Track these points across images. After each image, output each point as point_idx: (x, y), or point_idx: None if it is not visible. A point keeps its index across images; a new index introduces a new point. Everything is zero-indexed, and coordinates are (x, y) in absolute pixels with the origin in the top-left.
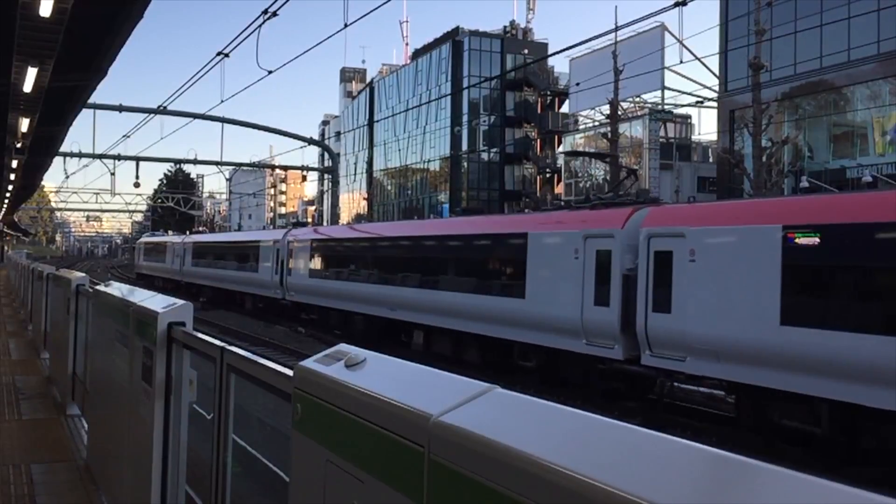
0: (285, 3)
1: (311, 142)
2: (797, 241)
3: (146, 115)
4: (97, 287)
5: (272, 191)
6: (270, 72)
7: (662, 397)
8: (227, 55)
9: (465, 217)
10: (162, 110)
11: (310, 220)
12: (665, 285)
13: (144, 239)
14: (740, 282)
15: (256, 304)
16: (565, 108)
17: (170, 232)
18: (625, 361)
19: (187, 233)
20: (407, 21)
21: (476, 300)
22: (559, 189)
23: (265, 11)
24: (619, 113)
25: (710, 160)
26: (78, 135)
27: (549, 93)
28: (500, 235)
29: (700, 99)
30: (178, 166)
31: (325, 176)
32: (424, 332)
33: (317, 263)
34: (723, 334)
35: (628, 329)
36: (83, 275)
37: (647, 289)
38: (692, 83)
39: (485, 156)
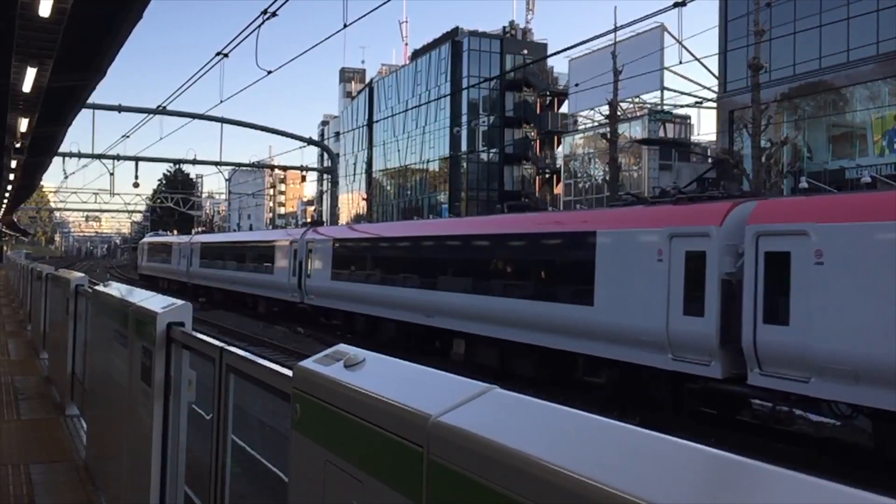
0: (285, 3)
1: (310, 142)
2: None
3: (145, 115)
4: (96, 287)
5: (271, 191)
6: (270, 72)
7: (754, 418)
8: (226, 55)
9: (517, 214)
10: (161, 110)
11: (309, 220)
12: (780, 293)
13: (148, 239)
14: (893, 288)
15: (271, 308)
16: (564, 109)
17: (174, 231)
18: (724, 380)
19: (193, 232)
20: (406, 21)
21: (531, 307)
22: (558, 190)
23: (264, 11)
24: (619, 113)
25: (710, 161)
26: (77, 135)
27: (548, 93)
28: (562, 234)
29: (699, 99)
30: (177, 166)
31: (325, 176)
32: (466, 342)
33: (341, 265)
34: (867, 352)
35: (729, 343)
36: (82, 275)
37: (756, 297)
38: (691, 84)
39: (484, 156)
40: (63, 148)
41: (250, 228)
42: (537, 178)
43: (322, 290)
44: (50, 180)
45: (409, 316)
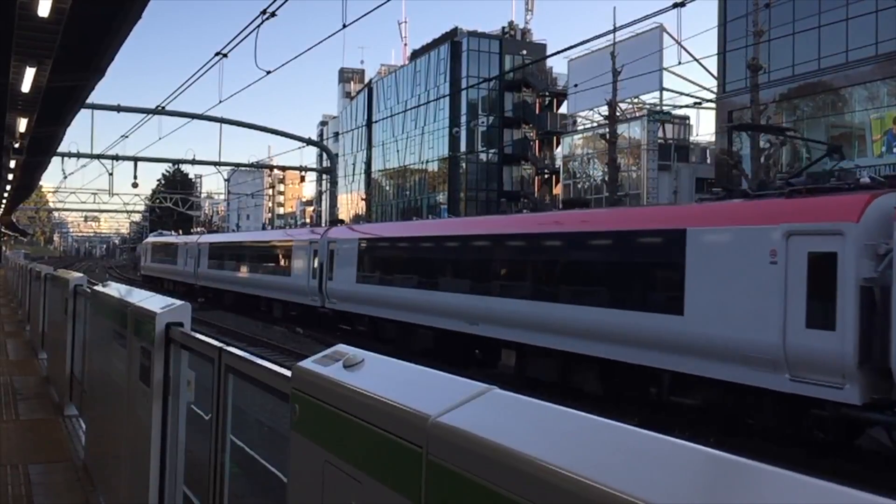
0: (284, 3)
1: (309, 142)
2: None
3: (144, 115)
4: (95, 287)
5: (270, 191)
6: (269, 72)
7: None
8: (225, 55)
9: (579, 211)
10: (160, 110)
11: (308, 220)
12: None
13: (151, 239)
14: None
15: (288, 313)
16: (564, 109)
17: (179, 231)
18: (863, 407)
19: (201, 232)
20: (406, 22)
21: (603, 315)
22: (557, 190)
23: (264, 12)
24: (618, 114)
25: (709, 161)
26: (76, 135)
27: (547, 94)
28: (643, 233)
29: (698, 100)
30: (176, 166)
31: (324, 176)
32: (517, 353)
33: (368, 266)
34: None
35: (869, 362)
36: (81, 275)
37: None
38: (690, 84)
39: (483, 156)
40: (62, 148)
41: (248, 228)
42: (536, 178)
43: (346, 293)
44: (49, 180)
45: (449, 323)
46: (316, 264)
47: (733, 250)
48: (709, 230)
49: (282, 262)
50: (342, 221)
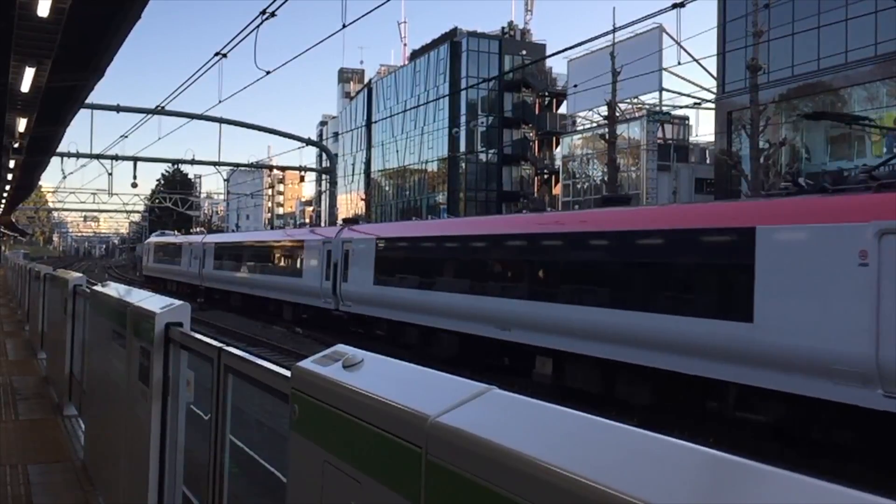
0: (283, 3)
1: (308, 142)
2: None
3: (144, 115)
4: (94, 287)
5: (270, 191)
6: (268, 72)
7: None
8: (225, 55)
9: (623, 209)
10: (160, 110)
11: (307, 220)
12: None
13: (154, 239)
14: None
15: (298, 315)
16: (563, 110)
17: (182, 231)
18: None
19: (198, 231)
20: (405, 22)
21: (656, 322)
22: (557, 190)
23: (263, 12)
24: (617, 114)
25: (708, 162)
26: (75, 135)
27: (547, 94)
28: (703, 232)
29: (698, 100)
30: (175, 166)
31: (323, 177)
32: (554, 360)
33: (386, 267)
34: None
35: None
36: (80, 275)
37: None
38: (690, 84)
39: (483, 157)
40: (61, 148)
41: (248, 229)
42: (536, 178)
43: (362, 296)
44: (48, 180)
45: (477, 328)
46: (330, 265)
47: (814, 251)
48: (783, 228)
49: (292, 263)
50: (357, 220)
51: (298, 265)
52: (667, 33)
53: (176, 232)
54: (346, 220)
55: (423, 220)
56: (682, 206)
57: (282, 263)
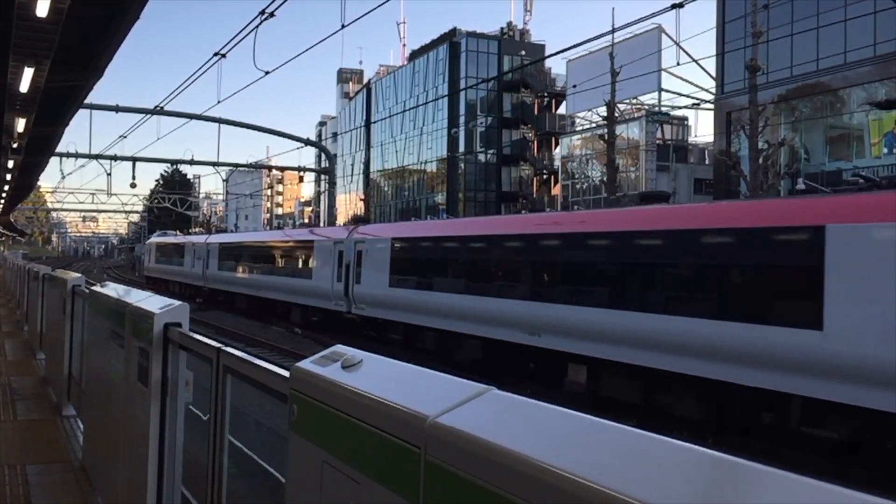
0: (282, 3)
1: (307, 143)
2: None
3: (143, 115)
4: (93, 287)
5: (269, 192)
6: (267, 72)
7: None
8: (224, 56)
9: (657, 206)
10: (159, 111)
11: (307, 220)
12: None
13: (155, 239)
14: None
15: (308, 318)
16: (562, 110)
17: (185, 231)
18: None
19: (197, 231)
20: (404, 22)
21: (706, 328)
22: (556, 191)
23: (262, 12)
24: (616, 115)
25: (707, 162)
26: (74, 135)
27: (546, 94)
28: (761, 231)
29: (697, 101)
30: (174, 167)
31: (322, 177)
32: (589, 368)
33: (403, 269)
34: None
35: None
36: (79, 275)
37: None
38: (689, 85)
39: (482, 157)
40: (60, 148)
41: (247, 229)
42: (535, 179)
43: (377, 298)
44: (47, 180)
45: (503, 333)
46: (341, 266)
47: (891, 251)
48: (858, 227)
49: (301, 264)
50: (367, 220)
51: (308, 266)
52: (666, 34)
53: (177, 232)
54: (356, 220)
55: (442, 220)
56: (734, 203)
57: (290, 264)
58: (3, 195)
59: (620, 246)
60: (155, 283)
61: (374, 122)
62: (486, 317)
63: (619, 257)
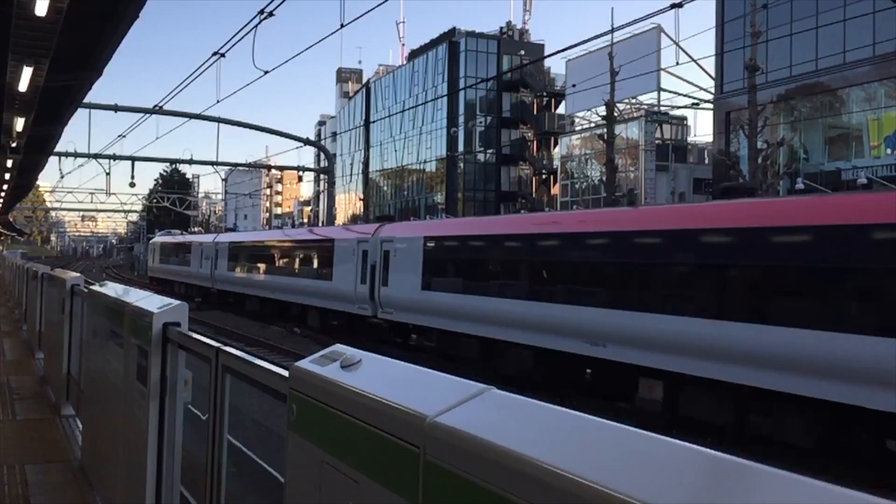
0: (282, 3)
1: (307, 142)
2: None
3: (142, 114)
4: (92, 287)
5: (268, 191)
6: (267, 72)
7: None
8: (223, 55)
9: (742, 200)
10: (158, 110)
11: (306, 220)
12: None
13: (160, 238)
14: None
15: (328, 322)
16: (561, 110)
17: (194, 230)
18: None
19: (196, 231)
20: (403, 22)
21: (819, 341)
22: (555, 190)
23: (261, 11)
24: (616, 114)
25: (706, 162)
26: (73, 134)
27: (545, 94)
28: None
29: (696, 101)
30: (173, 166)
31: (322, 176)
32: (666, 384)
33: (437, 270)
34: None
35: None
36: (78, 275)
37: None
38: (688, 85)
39: (481, 157)
40: (59, 147)
41: (246, 229)
42: (534, 178)
43: (407, 302)
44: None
45: (559, 342)
46: (366, 267)
47: None
48: None
49: (320, 264)
50: (392, 217)
51: (328, 267)
52: (665, 34)
53: (183, 231)
54: (381, 218)
55: (486, 217)
56: (843, 195)
57: (307, 265)
58: (2, 194)
59: (702, 247)
60: (159, 284)
61: (374, 122)
62: (537, 324)
63: (710, 258)
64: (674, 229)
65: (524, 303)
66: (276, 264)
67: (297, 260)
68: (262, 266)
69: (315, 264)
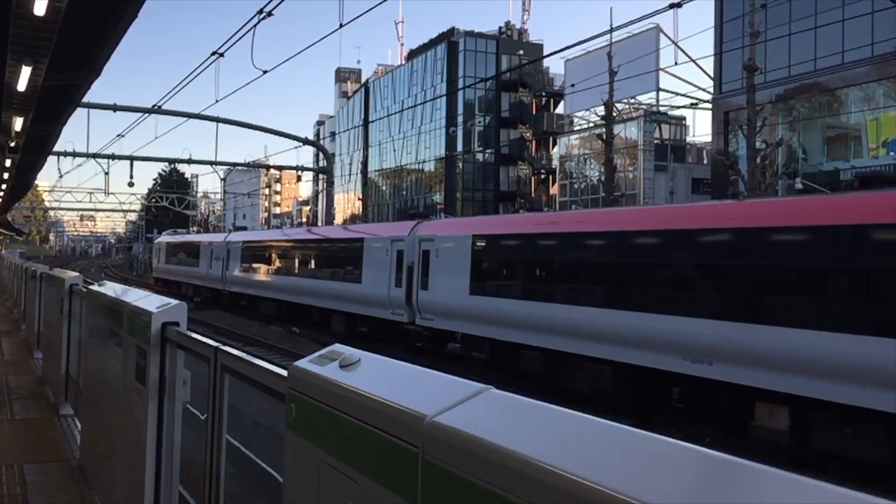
0: (280, 2)
1: (305, 142)
2: None
3: (141, 114)
4: (91, 286)
5: (267, 191)
6: (265, 71)
7: None
8: (221, 55)
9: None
10: (156, 110)
11: (304, 220)
12: None
13: (166, 238)
14: None
15: (355, 328)
16: (560, 110)
17: (193, 230)
18: None
19: (195, 230)
20: (402, 21)
21: None
22: (554, 190)
23: (260, 11)
24: (614, 114)
25: (705, 162)
26: (72, 134)
27: (544, 94)
28: None
29: (695, 101)
30: (172, 166)
31: (320, 176)
32: (792, 411)
33: (490, 272)
34: None
35: None
36: (77, 274)
37: None
38: (687, 85)
39: (480, 157)
40: (58, 147)
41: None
42: (533, 178)
43: (452, 308)
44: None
45: (649, 358)
46: (401, 269)
47: None
48: None
49: (348, 266)
50: (427, 215)
51: (356, 268)
52: (664, 33)
53: (187, 230)
54: (414, 216)
55: (551, 213)
56: None
57: (332, 266)
58: (1, 194)
59: (851, 246)
60: (165, 285)
61: (373, 122)
62: (620, 336)
63: (853, 261)
64: (828, 225)
65: (599, 311)
66: (296, 265)
67: (321, 260)
68: (279, 267)
69: (341, 265)
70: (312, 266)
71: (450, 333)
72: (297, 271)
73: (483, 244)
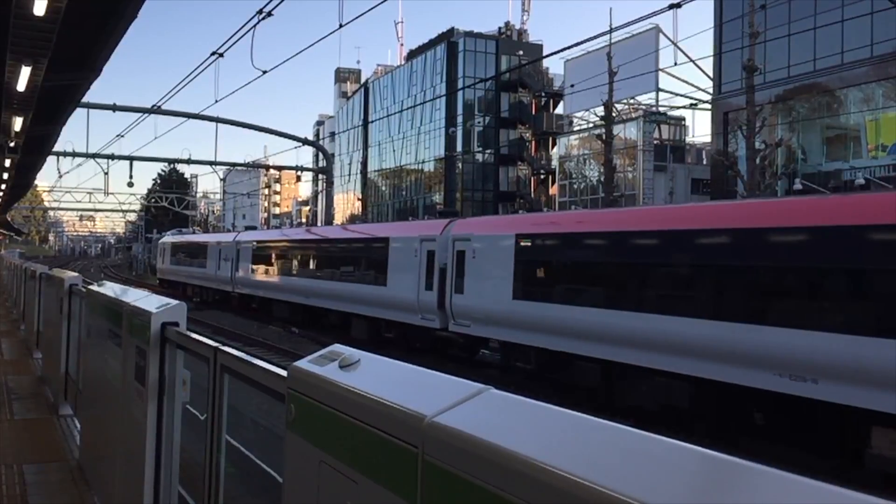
0: (280, 2)
1: (305, 142)
2: None
3: (140, 114)
4: (90, 286)
5: (266, 191)
6: (265, 72)
7: None
8: (221, 55)
9: None
10: (156, 110)
11: (304, 220)
12: None
13: (171, 238)
14: None
15: (377, 333)
16: (560, 110)
17: (193, 230)
18: None
19: (194, 230)
20: (402, 22)
21: None
22: (554, 190)
23: (260, 11)
24: (614, 115)
25: (704, 162)
26: (72, 134)
27: (543, 94)
28: None
29: (694, 101)
30: (171, 166)
31: (320, 176)
32: None
33: (538, 275)
34: None
35: None
36: (76, 274)
37: None
38: (686, 85)
39: (479, 157)
40: (57, 147)
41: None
42: (532, 178)
43: (493, 313)
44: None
45: (736, 374)
46: (432, 271)
47: None
48: None
49: (371, 267)
50: (456, 213)
51: (381, 270)
52: (663, 34)
53: (191, 230)
54: (443, 214)
55: (605, 210)
56: None
57: (354, 267)
58: (0, 194)
59: None
60: (169, 286)
61: (372, 122)
62: (697, 348)
63: None
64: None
65: (670, 319)
66: (313, 266)
67: (341, 261)
68: (294, 268)
69: (364, 266)
70: (331, 267)
71: (483, 340)
72: (313, 273)
73: (529, 244)
